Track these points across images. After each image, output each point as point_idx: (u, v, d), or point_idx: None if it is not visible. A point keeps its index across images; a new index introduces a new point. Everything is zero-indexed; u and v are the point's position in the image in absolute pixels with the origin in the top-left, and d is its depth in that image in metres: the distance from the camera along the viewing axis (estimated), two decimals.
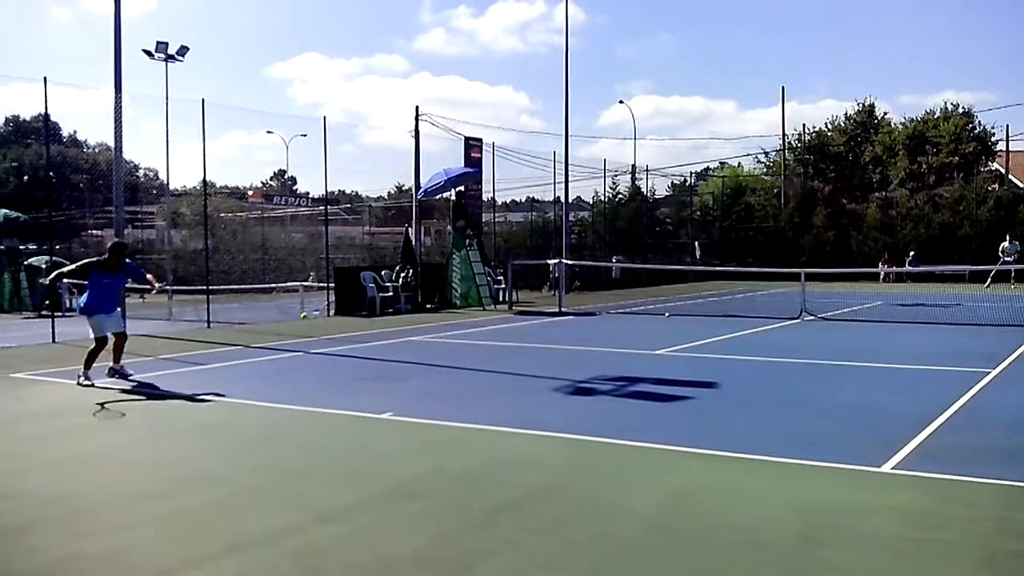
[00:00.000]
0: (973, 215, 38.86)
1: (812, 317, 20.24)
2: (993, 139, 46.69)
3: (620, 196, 44.21)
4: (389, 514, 5.93)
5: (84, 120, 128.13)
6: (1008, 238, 34.15)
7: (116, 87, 18.80)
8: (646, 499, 6.21)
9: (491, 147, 31.64)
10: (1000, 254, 33.19)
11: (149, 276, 12.73)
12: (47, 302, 23.39)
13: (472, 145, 29.55)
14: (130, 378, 11.86)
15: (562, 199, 35.60)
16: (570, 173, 34.65)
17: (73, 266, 12.61)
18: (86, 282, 12.16)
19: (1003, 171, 45.44)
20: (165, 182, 46.69)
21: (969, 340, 16.03)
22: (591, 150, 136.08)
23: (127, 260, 12.46)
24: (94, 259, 12.44)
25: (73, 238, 49.34)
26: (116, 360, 12.05)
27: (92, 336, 11.80)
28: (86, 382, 11.50)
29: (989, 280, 31.72)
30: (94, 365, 11.74)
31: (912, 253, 37.69)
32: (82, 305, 12.05)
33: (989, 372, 11.70)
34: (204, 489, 6.58)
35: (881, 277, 36.16)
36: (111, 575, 4.90)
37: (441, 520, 5.76)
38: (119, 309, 12.64)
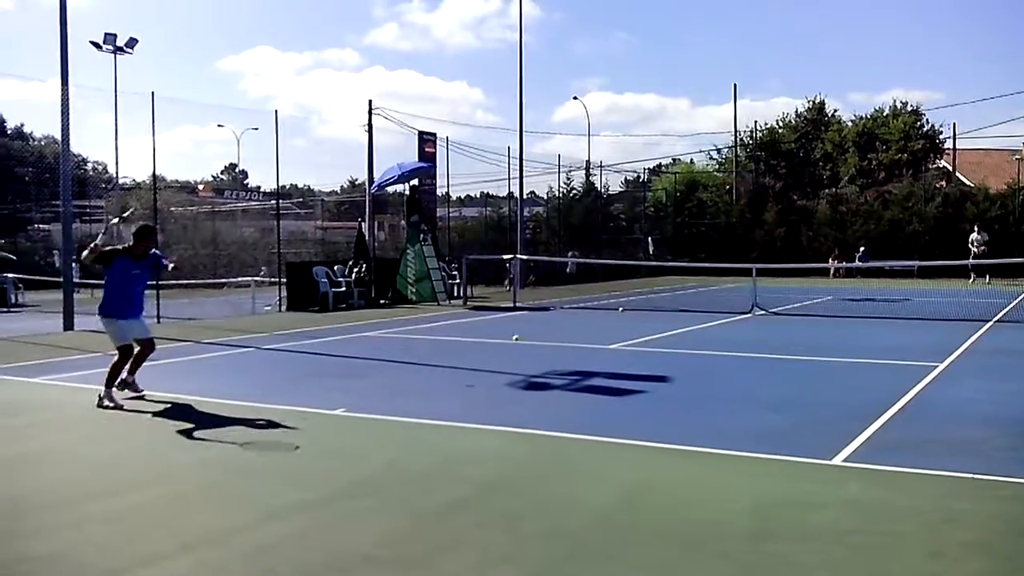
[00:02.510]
0: (921, 212, 39.41)
1: (763, 312, 20.40)
2: (941, 137, 47.54)
3: (575, 192, 44.28)
4: (342, 511, 5.88)
5: (30, 112, 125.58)
6: (976, 228, 34.48)
7: (63, 79, 18.46)
8: (600, 493, 6.22)
9: (445, 142, 31.55)
10: (970, 245, 33.49)
11: (168, 262, 10.96)
12: None
13: (426, 140, 29.39)
14: (142, 395, 9.99)
15: (516, 194, 35.59)
16: (525, 168, 34.68)
17: (100, 243, 10.18)
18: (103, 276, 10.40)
19: (950, 169, 46.18)
20: (114, 176, 46.08)
21: (917, 334, 16.26)
22: (546, 146, 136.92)
23: (155, 250, 10.53)
24: (119, 247, 10.29)
25: (18, 232, 48.50)
26: (131, 371, 9.98)
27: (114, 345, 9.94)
28: (108, 403, 9.51)
29: (973, 276, 31.87)
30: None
31: (862, 249, 38.17)
32: (100, 304, 10.12)
33: (937, 366, 11.86)
34: (154, 487, 6.48)
35: (831, 273, 36.60)
36: None
37: (394, 517, 5.71)
38: (142, 312, 10.35)
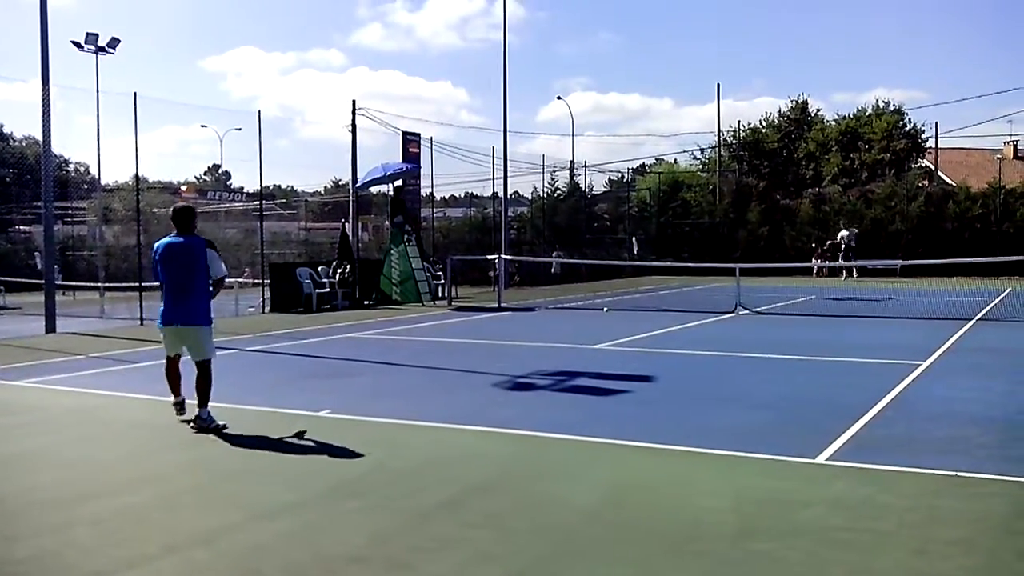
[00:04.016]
0: (904, 211, 39.62)
1: (747, 311, 20.48)
2: (923, 136, 47.87)
3: (559, 192, 44.38)
4: (328, 512, 5.87)
5: (10, 113, 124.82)
6: (843, 224, 35.61)
7: (43, 79, 18.35)
8: (586, 492, 6.23)
9: (429, 142, 31.54)
10: (842, 242, 34.66)
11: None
12: None
13: (410, 140, 29.38)
14: (222, 428, 8.42)
15: (501, 194, 35.60)
16: (509, 169, 34.64)
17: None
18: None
19: (933, 168, 46.46)
20: (96, 177, 45.77)
21: (900, 333, 16.35)
22: (530, 146, 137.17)
23: (200, 239, 9.02)
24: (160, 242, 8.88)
25: None
26: (200, 401, 8.67)
27: None
28: (181, 412, 8.91)
29: (845, 275, 33.23)
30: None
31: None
32: None
33: (919, 364, 11.93)
34: (140, 489, 6.45)
35: (814, 272, 36.77)
36: None
37: (381, 518, 5.71)
38: (202, 321, 9.31)
